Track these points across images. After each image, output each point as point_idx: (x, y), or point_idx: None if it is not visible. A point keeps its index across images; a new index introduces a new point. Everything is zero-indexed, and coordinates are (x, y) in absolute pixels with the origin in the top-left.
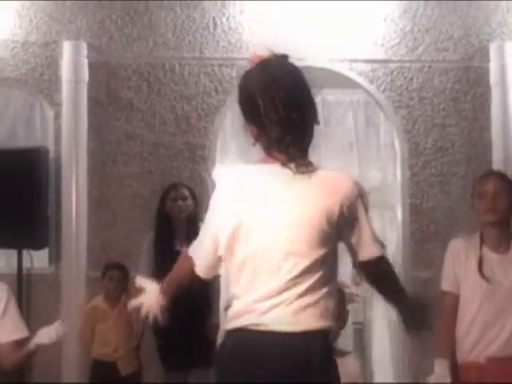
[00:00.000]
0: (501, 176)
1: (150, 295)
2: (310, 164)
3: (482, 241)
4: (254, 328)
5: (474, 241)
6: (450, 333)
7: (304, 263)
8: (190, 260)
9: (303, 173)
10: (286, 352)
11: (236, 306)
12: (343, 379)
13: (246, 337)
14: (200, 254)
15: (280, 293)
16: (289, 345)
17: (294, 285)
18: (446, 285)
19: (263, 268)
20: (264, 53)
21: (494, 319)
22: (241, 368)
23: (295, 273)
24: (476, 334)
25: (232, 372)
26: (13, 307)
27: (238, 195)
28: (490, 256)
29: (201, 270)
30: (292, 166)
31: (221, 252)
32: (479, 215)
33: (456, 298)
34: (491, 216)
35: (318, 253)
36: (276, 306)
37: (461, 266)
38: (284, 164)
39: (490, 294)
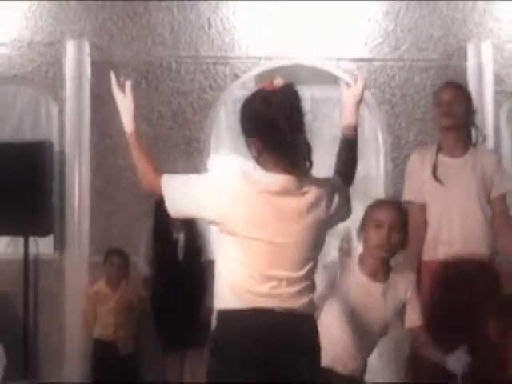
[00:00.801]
0: (456, 85)
1: None
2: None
3: (439, 148)
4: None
5: (431, 149)
6: (421, 242)
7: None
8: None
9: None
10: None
11: (236, 286)
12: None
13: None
14: (176, 196)
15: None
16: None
17: (294, 270)
18: (408, 195)
19: (267, 253)
20: (279, 82)
21: (450, 219)
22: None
23: (296, 260)
24: (434, 234)
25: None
26: None
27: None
28: (445, 160)
29: (171, 206)
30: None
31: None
32: (436, 121)
33: (422, 207)
34: (446, 120)
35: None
36: (277, 287)
37: (418, 174)
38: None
39: (445, 195)
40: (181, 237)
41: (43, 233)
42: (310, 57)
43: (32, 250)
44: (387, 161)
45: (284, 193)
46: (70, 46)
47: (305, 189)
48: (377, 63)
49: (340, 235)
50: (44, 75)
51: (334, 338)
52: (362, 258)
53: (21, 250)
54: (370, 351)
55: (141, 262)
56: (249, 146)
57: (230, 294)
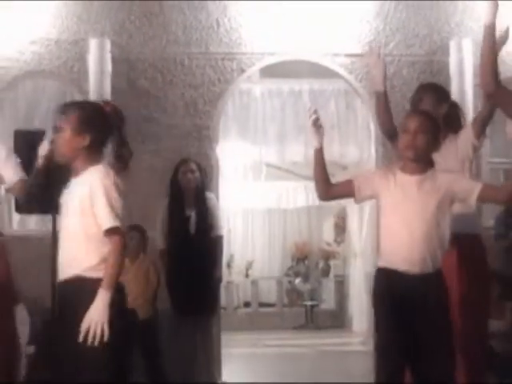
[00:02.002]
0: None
1: None
2: None
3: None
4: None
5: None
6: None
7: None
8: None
9: None
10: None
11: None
12: None
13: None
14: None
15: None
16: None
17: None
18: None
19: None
20: None
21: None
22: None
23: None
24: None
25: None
26: None
27: None
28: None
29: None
30: None
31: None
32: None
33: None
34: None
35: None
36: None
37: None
38: None
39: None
40: (193, 214)
41: None
42: (308, 53)
43: (59, 227)
44: (378, 145)
45: None
46: (93, 44)
47: None
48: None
49: (335, 212)
50: (69, 70)
51: (392, 239)
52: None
53: (49, 227)
54: (436, 246)
55: (157, 236)
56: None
57: None
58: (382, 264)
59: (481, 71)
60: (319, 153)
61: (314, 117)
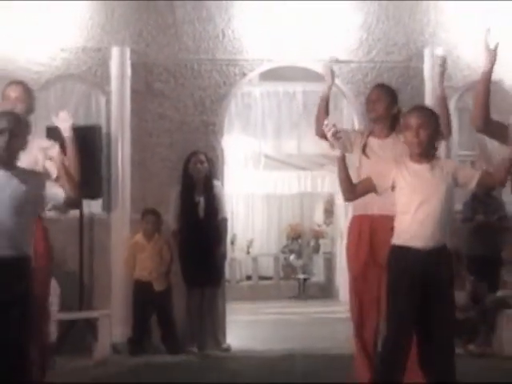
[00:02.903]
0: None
1: None
2: None
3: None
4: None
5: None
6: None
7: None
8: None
9: None
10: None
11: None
12: None
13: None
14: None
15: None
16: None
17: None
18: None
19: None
20: None
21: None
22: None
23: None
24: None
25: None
26: None
27: None
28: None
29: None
30: None
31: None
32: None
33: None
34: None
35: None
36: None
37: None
38: None
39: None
40: (201, 199)
41: (94, 196)
42: (302, 59)
43: (85, 210)
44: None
45: None
46: (115, 52)
47: None
48: (353, 64)
49: (325, 199)
50: (94, 74)
51: (412, 217)
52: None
53: (77, 210)
54: (445, 224)
55: (170, 219)
56: None
57: None
58: (398, 242)
59: (473, 111)
60: (342, 161)
61: (333, 130)
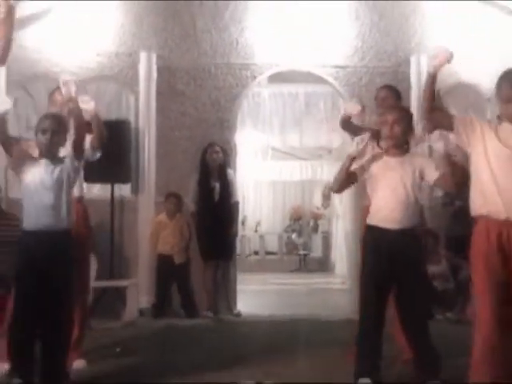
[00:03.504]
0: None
1: None
2: None
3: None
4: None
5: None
6: None
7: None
8: None
9: None
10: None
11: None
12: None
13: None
14: None
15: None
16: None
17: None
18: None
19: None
20: None
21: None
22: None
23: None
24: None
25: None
26: None
27: None
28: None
29: None
30: None
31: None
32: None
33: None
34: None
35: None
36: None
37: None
38: None
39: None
40: (216, 185)
41: (124, 181)
42: (304, 64)
43: (116, 193)
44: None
45: None
46: (143, 57)
47: None
48: (349, 69)
49: (322, 185)
50: (125, 76)
51: (384, 201)
52: (385, 148)
53: (108, 193)
54: (414, 208)
55: (189, 201)
56: None
57: None
58: (371, 223)
59: (422, 103)
60: (350, 160)
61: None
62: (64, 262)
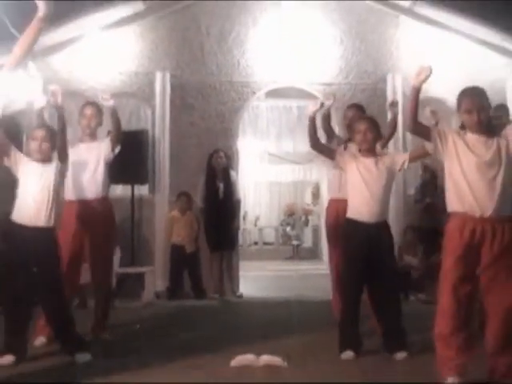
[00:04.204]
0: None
1: None
2: None
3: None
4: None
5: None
6: None
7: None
8: None
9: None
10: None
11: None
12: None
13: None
14: None
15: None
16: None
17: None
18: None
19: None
20: None
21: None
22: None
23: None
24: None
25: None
26: None
27: None
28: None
29: None
30: None
31: None
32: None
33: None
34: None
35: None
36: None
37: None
38: None
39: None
40: (221, 185)
41: (142, 182)
42: (297, 82)
43: (136, 193)
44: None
45: None
46: (158, 75)
47: None
48: (334, 86)
49: (312, 185)
50: (143, 92)
51: (361, 198)
52: (360, 150)
53: (129, 193)
54: (385, 204)
55: (198, 199)
56: None
57: None
58: (350, 216)
59: (406, 115)
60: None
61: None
62: (50, 252)
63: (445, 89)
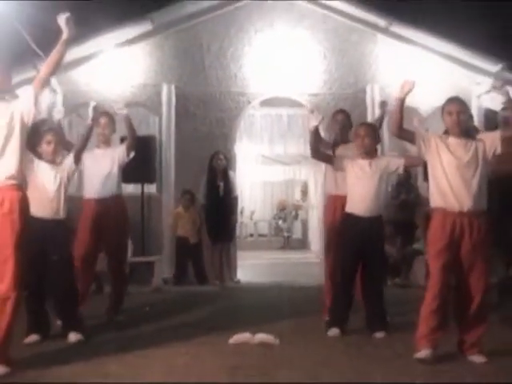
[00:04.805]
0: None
1: None
2: None
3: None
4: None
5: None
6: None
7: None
8: None
9: None
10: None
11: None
12: None
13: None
14: None
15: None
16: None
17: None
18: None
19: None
20: None
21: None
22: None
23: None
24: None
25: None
26: None
27: None
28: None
29: None
30: None
31: None
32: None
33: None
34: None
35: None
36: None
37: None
38: None
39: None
40: (221, 184)
41: (151, 182)
42: (287, 92)
43: (145, 191)
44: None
45: None
46: (164, 87)
47: None
48: (320, 96)
49: (301, 184)
50: (151, 102)
51: (357, 195)
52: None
53: (139, 190)
54: (378, 201)
55: (200, 197)
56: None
57: None
58: (348, 210)
59: (391, 123)
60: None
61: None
62: (61, 241)
63: (416, 98)
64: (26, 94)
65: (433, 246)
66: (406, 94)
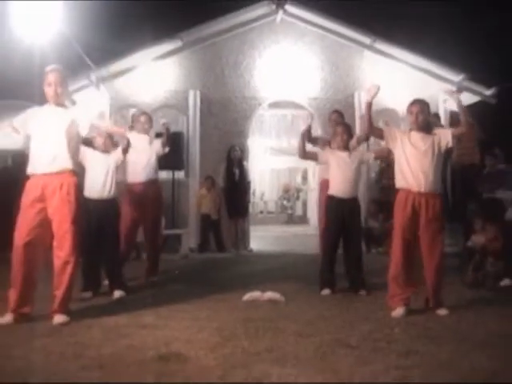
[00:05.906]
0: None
1: None
2: None
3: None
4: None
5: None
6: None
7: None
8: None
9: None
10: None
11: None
12: None
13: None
14: None
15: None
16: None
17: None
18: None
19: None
20: None
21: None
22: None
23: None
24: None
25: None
26: None
27: None
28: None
29: None
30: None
31: None
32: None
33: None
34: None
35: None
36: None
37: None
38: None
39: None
40: (237, 171)
41: (180, 169)
42: (291, 96)
43: (175, 176)
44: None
45: None
46: (191, 93)
47: None
48: (318, 100)
49: (302, 170)
50: (180, 105)
51: (338, 180)
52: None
53: (171, 176)
54: (355, 185)
55: (220, 181)
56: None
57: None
58: (331, 193)
59: (362, 123)
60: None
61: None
62: (111, 217)
63: (395, 102)
64: (86, 118)
65: (397, 219)
66: (373, 97)
